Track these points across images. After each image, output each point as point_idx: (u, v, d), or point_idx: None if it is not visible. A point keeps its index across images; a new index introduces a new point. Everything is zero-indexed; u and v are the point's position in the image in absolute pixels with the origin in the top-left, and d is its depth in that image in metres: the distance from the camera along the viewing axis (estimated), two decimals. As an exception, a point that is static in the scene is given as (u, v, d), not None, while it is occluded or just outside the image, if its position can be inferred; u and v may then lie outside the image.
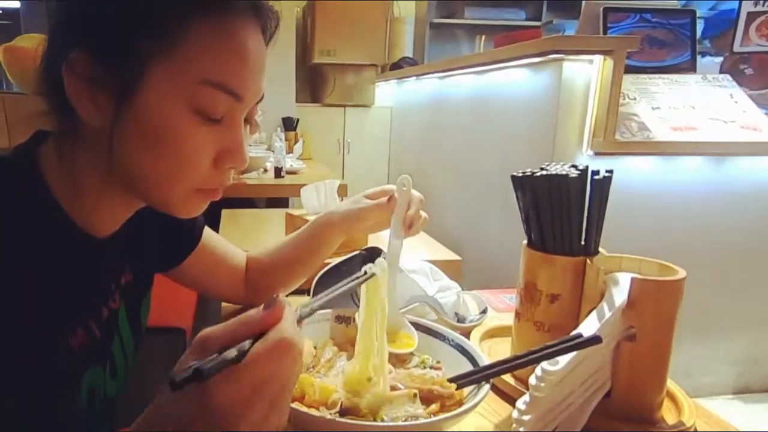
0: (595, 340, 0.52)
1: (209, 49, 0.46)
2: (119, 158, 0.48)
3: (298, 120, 3.36)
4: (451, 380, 0.58)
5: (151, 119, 0.46)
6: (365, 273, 0.58)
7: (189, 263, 0.75)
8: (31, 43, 1.46)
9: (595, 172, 0.62)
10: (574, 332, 0.55)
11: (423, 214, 0.77)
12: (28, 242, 0.45)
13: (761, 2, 2.39)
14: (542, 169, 0.64)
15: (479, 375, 0.57)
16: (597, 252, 0.64)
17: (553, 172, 0.62)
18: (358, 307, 0.82)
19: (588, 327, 0.56)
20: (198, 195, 0.52)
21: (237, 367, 0.34)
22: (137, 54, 0.45)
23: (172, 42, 0.45)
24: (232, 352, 0.35)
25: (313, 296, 0.84)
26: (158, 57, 0.45)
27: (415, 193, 0.76)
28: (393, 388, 0.58)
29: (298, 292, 0.89)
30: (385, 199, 0.77)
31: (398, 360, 0.65)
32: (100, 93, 0.46)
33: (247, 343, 0.36)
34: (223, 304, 0.91)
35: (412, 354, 0.67)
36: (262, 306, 0.38)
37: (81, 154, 0.50)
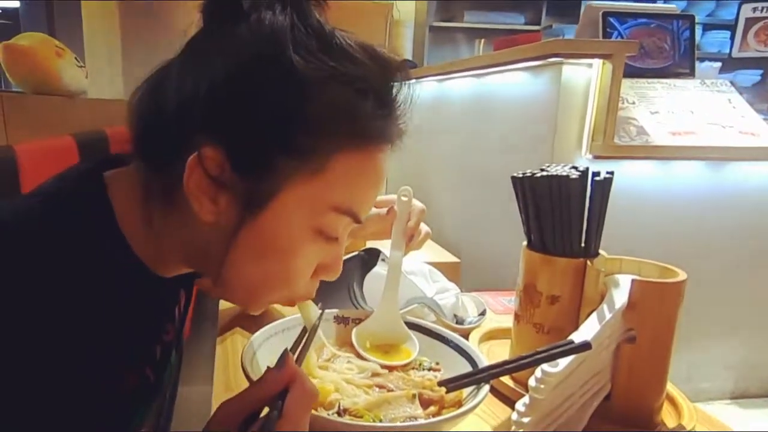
0: (584, 346, 0.52)
1: (351, 180, 0.45)
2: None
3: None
4: (447, 382, 0.58)
5: (273, 235, 0.44)
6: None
7: None
8: (31, 41, 1.45)
9: (596, 174, 0.62)
10: (569, 337, 0.55)
11: (425, 227, 0.76)
12: (95, 283, 0.41)
13: (759, 8, 2.40)
14: (543, 170, 0.64)
15: (478, 376, 0.57)
16: (597, 254, 0.64)
17: (554, 173, 0.62)
18: (356, 308, 0.83)
19: (588, 329, 0.55)
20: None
21: (279, 423, 0.39)
22: (277, 171, 0.42)
23: (315, 167, 0.43)
24: (273, 414, 0.39)
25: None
26: (297, 178, 0.43)
27: (417, 203, 0.75)
28: (387, 391, 0.57)
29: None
30: (384, 210, 0.75)
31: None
32: (222, 194, 0.43)
33: (279, 403, 0.40)
34: (220, 305, 0.91)
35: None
36: (275, 365, 0.42)
37: (173, 230, 0.46)
